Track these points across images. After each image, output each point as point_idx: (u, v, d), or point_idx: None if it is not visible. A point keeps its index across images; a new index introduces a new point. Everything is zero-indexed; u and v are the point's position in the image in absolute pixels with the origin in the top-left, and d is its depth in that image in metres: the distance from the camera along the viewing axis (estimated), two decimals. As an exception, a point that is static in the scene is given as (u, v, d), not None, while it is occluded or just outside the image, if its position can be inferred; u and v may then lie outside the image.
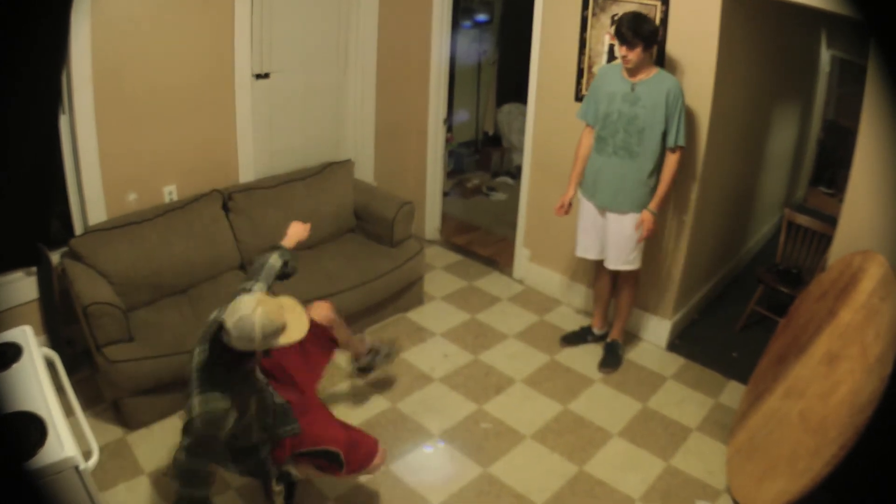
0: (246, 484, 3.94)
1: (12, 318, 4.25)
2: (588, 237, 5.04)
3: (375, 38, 6.15)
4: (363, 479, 4.03)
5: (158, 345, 4.25)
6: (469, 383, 4.96)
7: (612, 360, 5.24)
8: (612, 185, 4.75)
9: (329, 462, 3.48)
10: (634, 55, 4.41)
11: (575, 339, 5.52)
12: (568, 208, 5.00)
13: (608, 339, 5.34)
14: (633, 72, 4.55)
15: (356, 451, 3.53)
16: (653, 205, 4.69)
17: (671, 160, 4.61)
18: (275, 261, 3.59)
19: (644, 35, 4.35)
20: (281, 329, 3.02)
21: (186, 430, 3.06)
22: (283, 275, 3.67)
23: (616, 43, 4.49)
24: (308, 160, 5.93)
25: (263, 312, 2.94)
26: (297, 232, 3.88)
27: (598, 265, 5.20)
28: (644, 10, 4.68)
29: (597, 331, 5.51)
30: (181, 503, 3.22)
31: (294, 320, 3.12)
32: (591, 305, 5.66)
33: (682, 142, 4.55)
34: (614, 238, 4.87)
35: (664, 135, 4.55)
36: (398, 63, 6.43)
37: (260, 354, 3.18)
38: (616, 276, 5.15)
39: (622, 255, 4.89)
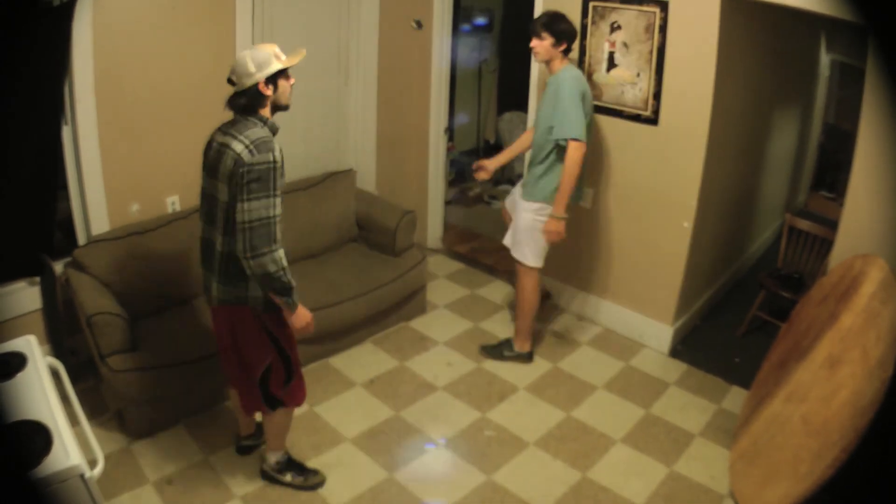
0: (250, 492, 3.95)
1: (16, 328, 4.27)
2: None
3: (376, 46, 6.17)
4: (366, 485, 4.06)
5: (162, 354, 4.26)
6: (472, 391, 4.96)
7: (494, 350, 5.39)
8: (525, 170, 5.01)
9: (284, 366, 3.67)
10: (541, 47, 4.61)
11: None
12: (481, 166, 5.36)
13: (510, 337, 5.42)
14: (548, 68, 4.73)
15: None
16: (554, 208, 4.71)
17: (566, 156, 4.57)
18: None
19: (555, 30, 4.54)
20: (271, 54, 3.30)
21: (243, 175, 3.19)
22: None
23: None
24: (310, 169, 5.95)
25: (252, 48, 3.33)
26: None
27: None
28: (643, 17, 4.72)
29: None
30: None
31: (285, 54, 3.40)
32: (590, 311, 5.69)
33: (567, 134, 4.52)
34: (514, 222, 5.07)
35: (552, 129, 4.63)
36: (399, 71, 6.45)
37: (267, 88, 3.32)
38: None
39: (516, 243, 5.04)
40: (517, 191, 5.04)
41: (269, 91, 3.32)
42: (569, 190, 4.62)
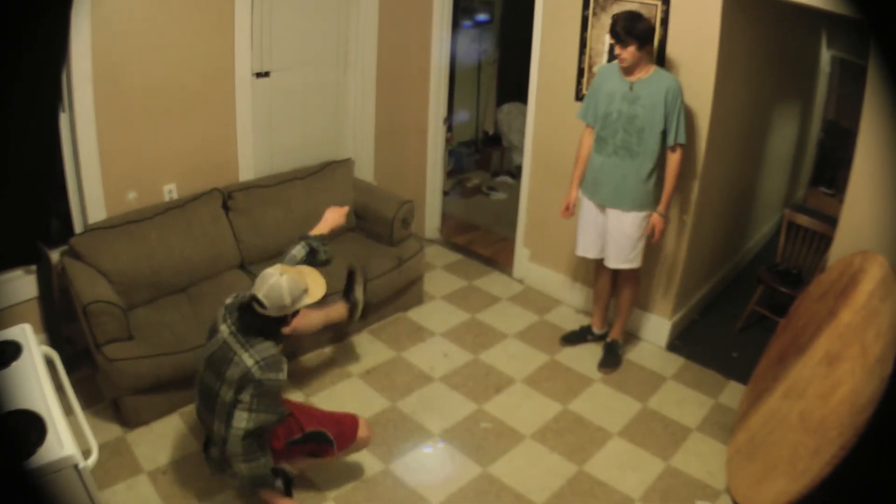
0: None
1: (12, 317, 4.26)
2: (587, 236, 5.03)
3: (376, 36, 6.15)
4: (361, 474, 4.05)
5: (158, 343, 4.25)
6: (469, 383, 4.96)
7: (611, 359, 5.23)
8: (612, 184, 4.75)
9: (319, 444, 3.64)
10: (628, 54, 4.42)
11: (575, 338, 5.52)
12: (572, 209, 5.00)
13: (608, 339, 5.33)
14: (629, 71, 4.55)
15: (340, 426, 3.73)
16: (661, 207, 4.70)
17: (673, 159, 4.60)
18: (297, 251, 3.87)
19: (637, 34, 4.36)
20: (305, 289, 3.39)
21: (247, 384, 3.26)
22: (318, 262, 3.93)
23: (611, 40, 4.52)
24: (308, 159, 5.93)
25: (288, 277, 3.33)
26: (333, 218, 4.16)
27: (598, 264, 5.20)
28: (644, 10, 4.68)
29: (597, 330, 5.51)
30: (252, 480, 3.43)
31: (313, 283, 3.50)
32: (591, 305, 5.66)
33: (682, 140, 4.55)
34: (614, 236, 4.86)
35: (664, 133, 4.55)
36: (398, 62, 6.43)
37: (290, 318, 3.44)
38: (616, 275, 5.15)
39: (622, 254, 4.89)
40: (608, 211, 4.87)
41: (293, 321, 3.51)
42: (674, 190, 4.73)
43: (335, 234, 5.63)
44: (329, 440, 3.64)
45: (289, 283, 3.30)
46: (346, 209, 4.18)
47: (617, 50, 4.47)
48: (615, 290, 5.25)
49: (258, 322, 3.35)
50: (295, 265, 3.71)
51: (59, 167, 4.54)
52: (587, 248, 5.09)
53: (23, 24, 3.81)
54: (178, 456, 4.11)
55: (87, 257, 4.44)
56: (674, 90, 4.46)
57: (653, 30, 4.53)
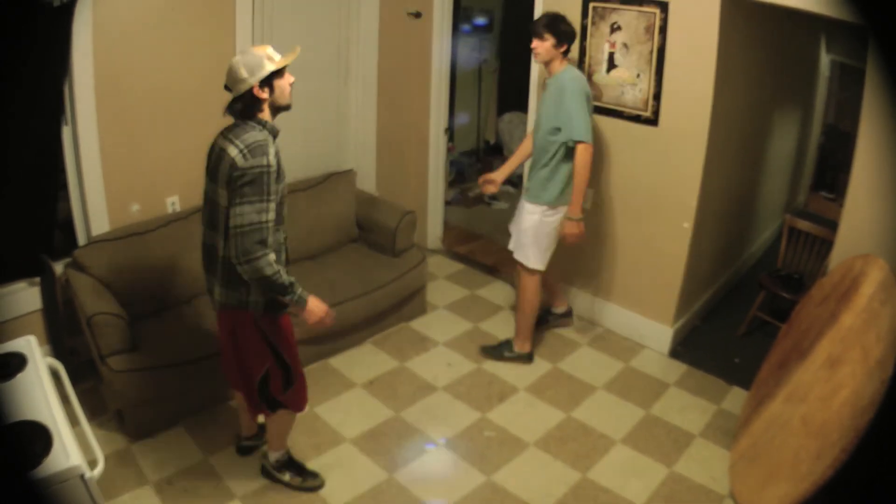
0: (250, 493, 3.95)
1: (16, 329, 4.27)
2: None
3: (376, 46, 6.17)
4: (366, 486, 4.06)
5: (162, 355, 4.26)
6: (472, 392, 4.96)
7: (495, 351, 5.39)
8: (528, 178, 5.00)
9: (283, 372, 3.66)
10: (542, 48, 4.60)
11: (539, 322, 5.55)
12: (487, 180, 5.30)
13: (510, 338, 5.44)
14: (547, 68, 4.74)
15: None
16: (570, 209, 4.73)
17: (575, 158, 4.61)
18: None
19: (557, 31, 4.55)
20: (263, 56, 3.23)
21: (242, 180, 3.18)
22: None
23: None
24: (310, 170, 5.94)
25: (242, 53, 3.27)
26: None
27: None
28: (643, 17, 4.72)
29: (555, 309, 5.71)
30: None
31: (276, 54, 3.33)
32: (590, 312, 5.69)
33: (576, 136, 4.55)
34: (516, 224, 5.09)
35: (558, 130, 4.64)
36: (399, 72, 6.45)
37: (262, 92, 3.28)
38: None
39: (518, 244, 5.06)
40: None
41: (264, 94, 3.29)
42: (582, 192, 4.66)
43: (336, 247, 5.69)
44: (287, 367, 3.64)
45: (242, 56, 3.24)
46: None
47: (533, 43, 4.62)
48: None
49: (236, 110, 3.30)
50: None
51: (63, 179, 4.56)
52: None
53: (24, 37, 3.83)
54: (184, 466, 4.11)
55: (91, 269, 4.46)
56: (562, 84, 4.59)
57: (572, 34, 4.64)
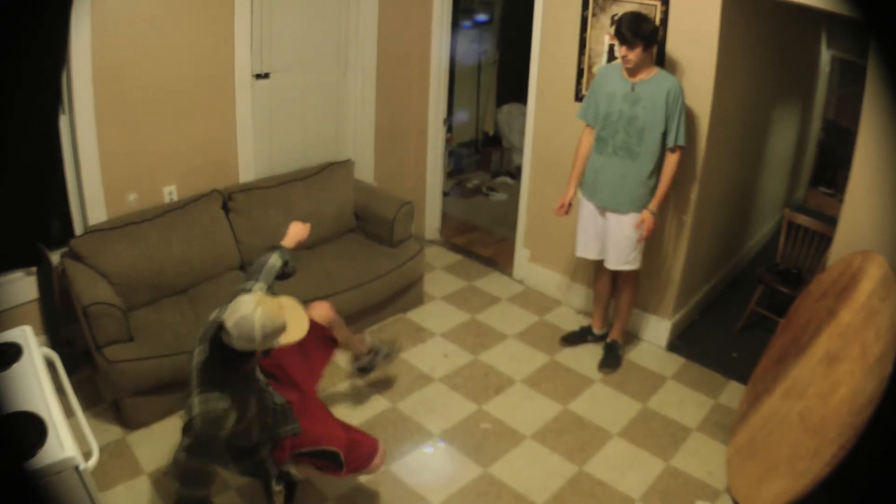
0: (246, 484, 3.95)
1: (12, 318, 4.26)
2: (587, 236, 5.04)
3: (375, 37, 6.15)
4: (363, 479, 4.04)
5: (158, 345, 4.25)
6: (469, 383, 4.96)
7: (611, 360, 5.23)
8: (612, 184, 4.75)
9: (329, 462, 3.48)
10: (634, 55, 4.40)
11: (575, 338, 5.52)
12: (568, 208, 5.00)
13: (608, 339, 5.34)
14: (632, 72, 4.54)
15: (356, 451, 3.54)
16: (653, 205, 4.68)
17: (671, 160, 4.60)
18: (275, 261, 3.57)
19: (644, 35, 4.34)
20: (281, 329, 3.02)
21: (186, 429, 3.06)
22: (283, 275, 3.63)
23: (616, 43, 4.49)
24: (308, 160, 5.93)
25: (264, 312, 2.93)
26: (296, 232, 3.82)
27: (598, 265, 5.21)
28: (644, 10, 4.69)
29: (597, 331, 5.51)
30: (182, 503, 3.22)
31: (294, 320, 3.13)
32: (591, 305, 5.67)
33: (682, 141, 4.54)
34: (614, 238, 4.87)
35: (664, 135, 4.55)
36: (398, 63, 6.43)
37: (260, 354, 3.13)
38: (616, 276, 5.15)
39: (622, 256, 4.89)
40: (608, 213, 4.87)
41: (259, 354, 3.12)
42: (669, 190, 4.72)
43: (334, 237, 5.67)
44: (340, 462, 3.47)
45: (262, 317, 2.92)
46: (308, 225, 3.87)
47: (623, 51, 4.43)
48: (615, 290, 5.25)
49: (225, 355, 3.03)
50: (273, 275, 3.55)
51: (60, 169, 4.55)
52: (587, 249, 5.09)
53: (22, 26, 3.81)
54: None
55: (88, 259, 4.45)
56: (675, 92, 4.45)
57: (657, 30, 4.53)
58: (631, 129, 4.60)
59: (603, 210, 4.86)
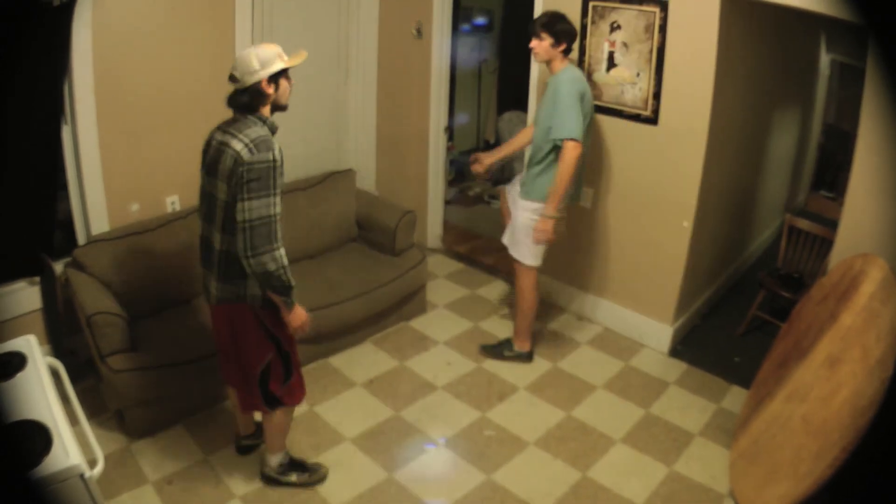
0: (252, 492, 3.96)
1: (16, 328, 4.28)
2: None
3: (376, 46, 6.17)
4: (365, 486, 4.07)
5: (162, 354, 4.26)
6: (472, 391, 4.97)
7: (494, 350, 5.39)
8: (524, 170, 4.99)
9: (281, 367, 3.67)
10: (541, 48, 4.61)
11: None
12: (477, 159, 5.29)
13: (509, 336, 5.43)
14: (548, 67, 4.73)
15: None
16: (547, 207, 4.67)
17: (561, 157, 4.54)
18: None
19: (555, 31, 4.55)
20: (276, 54, 3.32)
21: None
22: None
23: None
24: (310, 169, 5.95)
25: (256, 46, 3.33)
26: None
27: None
28: (643, 16, 4.72)
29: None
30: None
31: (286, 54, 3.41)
32: (589, 311, 5.70)
33: (562, 135, 4.49)
34: (513, 221, 5.05)
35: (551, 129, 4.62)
36: (399, 71, 6.45)
37: (268, 87, 3.33)
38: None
39: (514, 241, 5.04)
40: (515, 189, 5.01)
41: (270, 89, 3.33)
42: (562, 190, 4.58)
43: (336, 246, 5.68)
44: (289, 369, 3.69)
45: (255, 49, 3.28)
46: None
47: (532, 42, 4.63)
48: None
49: (241, 103, 3.33)
50: None
51: (62, 179, 4.56)
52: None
53: (24, 37, 3.83)
54: (183, 466, 4.11)
55: (91, 268, 4.46)
56: (557, 83, 4.59)
57: (571, 33, 4.61)
58: (536, 121, 4.82)
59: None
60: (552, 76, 4.66)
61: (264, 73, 3.25)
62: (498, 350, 5.35)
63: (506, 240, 5.15)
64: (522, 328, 5.29)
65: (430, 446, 4.43)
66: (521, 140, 5.24)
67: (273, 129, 3.38)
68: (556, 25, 4.55)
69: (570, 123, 4.47)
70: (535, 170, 4.76)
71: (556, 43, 4.56)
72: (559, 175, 4.55)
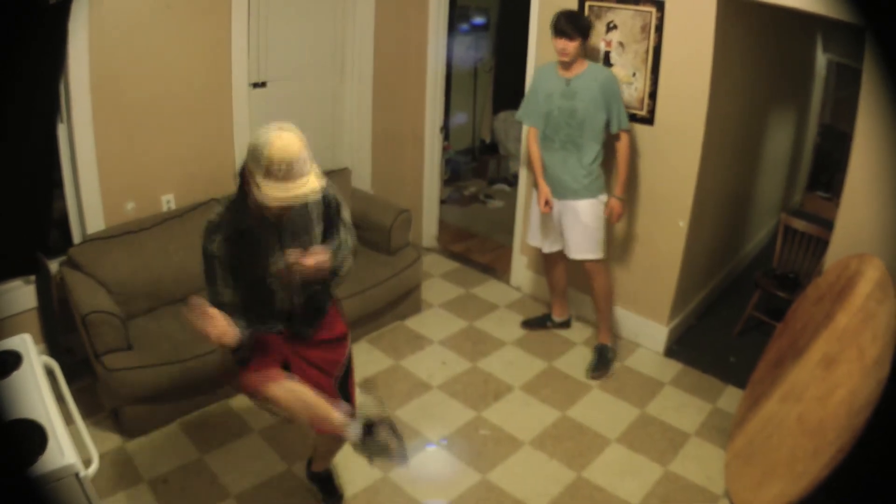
0: (246, 491, 3.95)
1: (11, 327, 4.27)
2: (535, 226, 5.32)
3: (372, 45, 6.16)
4: (361, 485, 4.06)
5: (157, 353, 4.25)
6: (467, 390, 4.96)
7: (600, 364, 5.23)
8: (561, 177, 4.94)
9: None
10: (573, 48, 4.63)
11: (535, 323, 5.75)
12: (552, 203, 5.09)
13: (597, 343, 5.38)
14: (567, 67, 4.76)
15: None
16: (618, 190, 4.92)
17: (621, 145, 4.87)
18: None
19: (581, 29, 4.62)
20: (266, 161, 3.01)
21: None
22: None
23: (553, 37, 4.70)
24: (305, 168, 5.93)
25: (270, 129, 3.11)
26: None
27: (547, 258, 5.43)
28: (639, 16, 4.73)
29: (556, 318, 5.73)
30: None
31: (288, 143, 3.18)
32: (586, 311, 5.70)
33: (625, 125, 4.81)
34: (572, 228, 5.02)
35: (607, 124, 4.78)
36: (395, 71, 6.44)
37: (246, 181, 3.07)
38: (564, 261, 5.35)
39: (583, 244, 5.03)
40: (564, 203, 5.00)
41: (248, 184, 3.05)
42: (629, 172, 5.01)
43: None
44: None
45: (266, 137, 3.06)
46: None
47: (561, 44, 4.65)
48: (591, 292, 5.33)
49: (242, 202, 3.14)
50: None
51: (58, 177, 4.55)
52: (534, 238, 5.37)
53: (20, 35, 3.82)
54: (179, 465, 4.11)
55: (86, 267, 4.45)
56: (608, 81, 4.74)
57: (591, 27, 4.84)
58: (573, 123, 4.79)
59: (558, 200, 5.02)
60: (581, 73, 4.75)
61: (266, 170, 3.01)
62: (604, 356, 5.31)
63: (567, 246, 5.14)
64: (610, 322, 5.40)
65: (430, 446, 4.43)
66: (537, 150, 5.10)
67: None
68: (581, 22, 4.66)
69: (626, 114, 4.80)
70: (594, 166, 4.87)
71: (585, 40, 4.70)
72: (625, 161, 4.93)
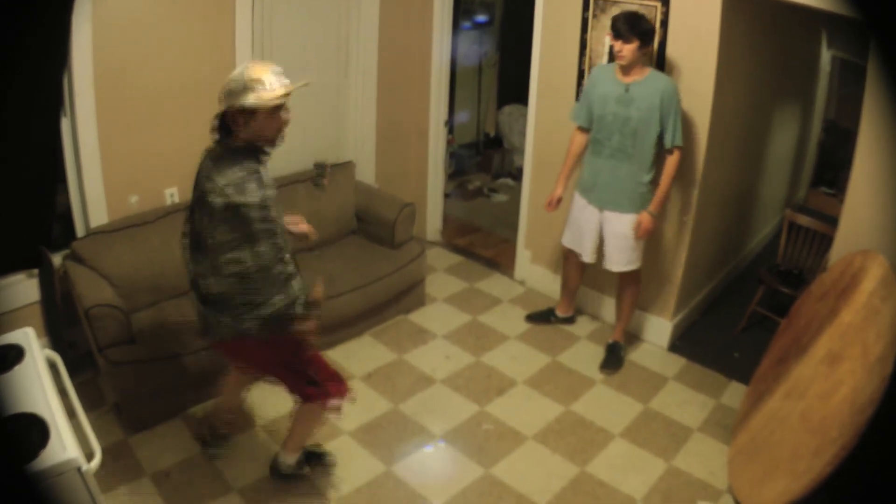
0: (249, 485, 3.96)
1: (14, 321, 4.27)
2: (575, 232, 5.15)
3: (376, 39, 6.15)
4: (364, 479, 4.07)
5: (160, 347, 4.26)
6: (471, 385, 4.96)
7: (613, 361, 5.23)
8: (610, 185, 4.79)
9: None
10: (628, 51, 4.43)
11: (539, 318, 5.73)
12: (556, 204, 5.08)
13: (610, 340, 5.35)
14: (626, 71, 4.57)
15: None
16: (653, 206, 4.72)
17: (670, 161, 4.62)
18: None
19: (639, 32, 4.39)
20: (250, 84, 3.17)
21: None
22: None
23: (611, 38, 4.53)
24: (309, 162, 5.87)
25: (243, 67, 3.20)
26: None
27: (571, 255, 5.33)
28: (644, 11, 4.69)
29: (561, 314, 5.71)
30: None
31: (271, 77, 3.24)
32: (590, 306, 5.70)
33: (679, 142, 4.56)
34: (614, 239, 4.91)
35: (660, 136, 4.58)
36: (399, 64, 6.43)
37: (235, 122, 3.25)
38: (585, 269, 5.38)
39: (623, 256, 4.92)
40: (606, 213, 4.92)
41: (238, 123, 3.23)
42: (668, 191, 4.77)
43: (335, 239, 5.66)
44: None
45: (242, 70, 3.17)
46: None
47: (618, 46, 4.46)
48: (618, 293, 5.29)
49: (221, 133, 3.30)
50: None
51: (61, 171, 4.55)
52: (573, 242, 5.20)
53: (23, 28, 3.81)
54: (181, 459, 4.11)
55: (89, 261, 4.45)
56: (669, 92, 4.48)
57: (653, 31, 4.58)
58: (625, 131, 4.63)
59: (601, 209, 4.90)
60: (642, 80, 4.57)
61: (228, 104, 3.17)
62: (617, 353, 5.33)
63: (606, 257, 5.07)
64: (627, 325, 5.39)
65: (429, 448, 4.43)
66: (576, 151, 5.06)
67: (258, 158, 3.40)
68: (641, 24, 4.42)
69: (682, 130, 4.58)
70: (647, 182, 4.74)
71: (643, 45, 4.44)
72: (669, 180, 4.68)
